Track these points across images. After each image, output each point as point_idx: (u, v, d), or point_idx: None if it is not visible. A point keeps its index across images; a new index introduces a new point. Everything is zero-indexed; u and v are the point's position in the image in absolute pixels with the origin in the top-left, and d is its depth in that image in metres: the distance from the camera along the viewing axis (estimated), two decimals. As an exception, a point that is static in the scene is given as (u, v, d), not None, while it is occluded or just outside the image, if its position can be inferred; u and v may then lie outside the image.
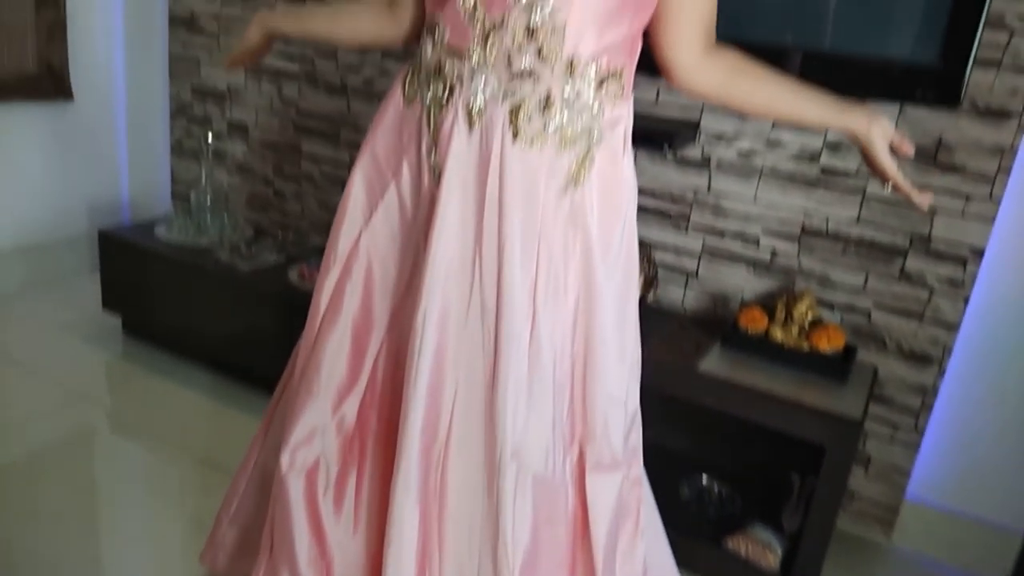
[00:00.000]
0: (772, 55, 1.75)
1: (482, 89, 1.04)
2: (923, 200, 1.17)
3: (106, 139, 3.05)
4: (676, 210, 2.11)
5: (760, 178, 1.99)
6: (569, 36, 1.00)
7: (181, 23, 2.81)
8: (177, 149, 2.99)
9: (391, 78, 2.44)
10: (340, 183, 2.63)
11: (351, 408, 1.20)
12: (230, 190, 2.85)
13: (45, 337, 2.60)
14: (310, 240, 2.65)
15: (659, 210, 2.13)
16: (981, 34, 1.59)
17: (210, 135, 2.70)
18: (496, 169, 1.04)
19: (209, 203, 2.61)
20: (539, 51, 1.01)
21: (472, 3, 1.02)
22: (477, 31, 1.03)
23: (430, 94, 1.09)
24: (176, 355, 2.53)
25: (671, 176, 2.09)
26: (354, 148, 2.57)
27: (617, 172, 1.10)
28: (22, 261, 2.88)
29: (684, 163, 2.07)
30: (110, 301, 2.60)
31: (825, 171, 1.91)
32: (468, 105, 1.05)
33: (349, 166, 2.59)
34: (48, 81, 2.79)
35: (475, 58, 1.04)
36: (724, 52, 1.12)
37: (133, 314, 2.60)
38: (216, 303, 2.36)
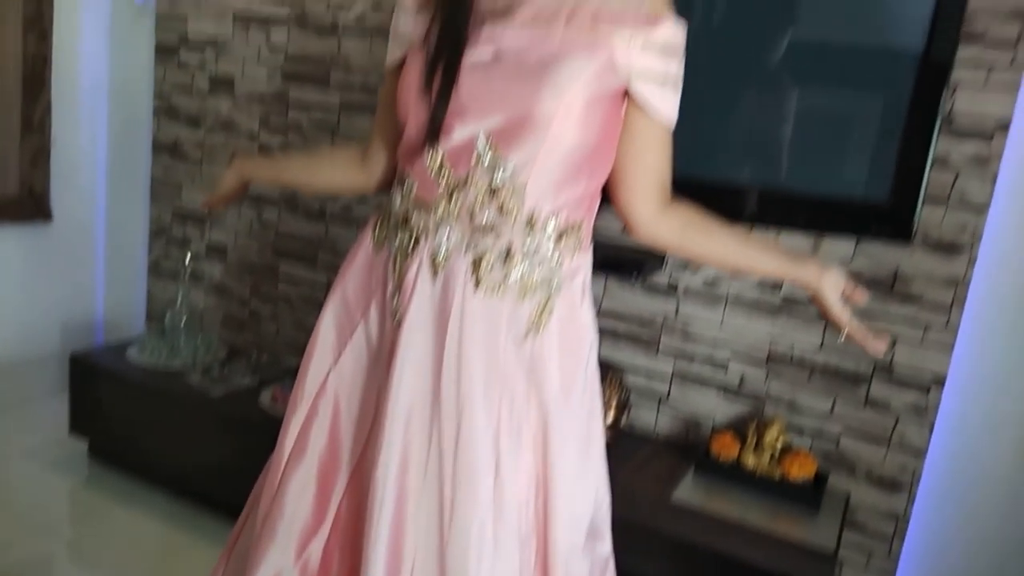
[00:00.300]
0: (731, 192, 1.84)
1: (446, 240, 1.07)
2: (877, 346, 1.19)
3: (83, 259, 3.07)
4: (646, 335, 2.14)
5: (726, 305, 2.03)
6: (529, 194, 1.05)
7: (164, 149, 2.89)
8: (155, 269, 3.00)
9: (369, 205, 2.51)
10: (316, 304, 2.65)
11: (315, 551, 1.17)
12: (206, 311, 2.86)
13: (8, 463, 2.53)
14: (284, 361, 2.64)
15: (630, 335, 2.15)
16: (929, 174, 1.67)
17: (188, 256, 2.73)
18: (457, 316, 1.06)
19: (184, 324, 2.61)
20: (500, 207, 1.05)
21: (439, 161, 1.07)
22: (443, 187, 1.07)
23: (397, 242, 1.13)
24: (143, 481, 2.47)
25: (640, 302, 2.13)
26: (331, 271, 2.60)
27: (576, 318, 1.12)
28: (-11, 381, 2.84)
29: (652, 289, 2.11)
30: (78, 426, 2.55)
31: (787, 299, 1.96)
32: (433, 254, 1.08)
33: (326, 288, 2.63)
34: (29, 203, 2.83)
35: (440, 211, 1.08)
36: (679, 206, 1.16)
37: (101, 439, 2.55)
38: (186, 428, 2.32)
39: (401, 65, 1.17)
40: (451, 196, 1.07)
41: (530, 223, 1.06)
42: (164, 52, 2.83)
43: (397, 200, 1.15)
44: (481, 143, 1.04)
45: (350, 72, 2.47)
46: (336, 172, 1.33)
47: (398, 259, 1.12)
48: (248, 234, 2.75)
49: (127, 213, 3.02)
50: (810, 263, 1.17)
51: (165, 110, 2.87)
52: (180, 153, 2.86)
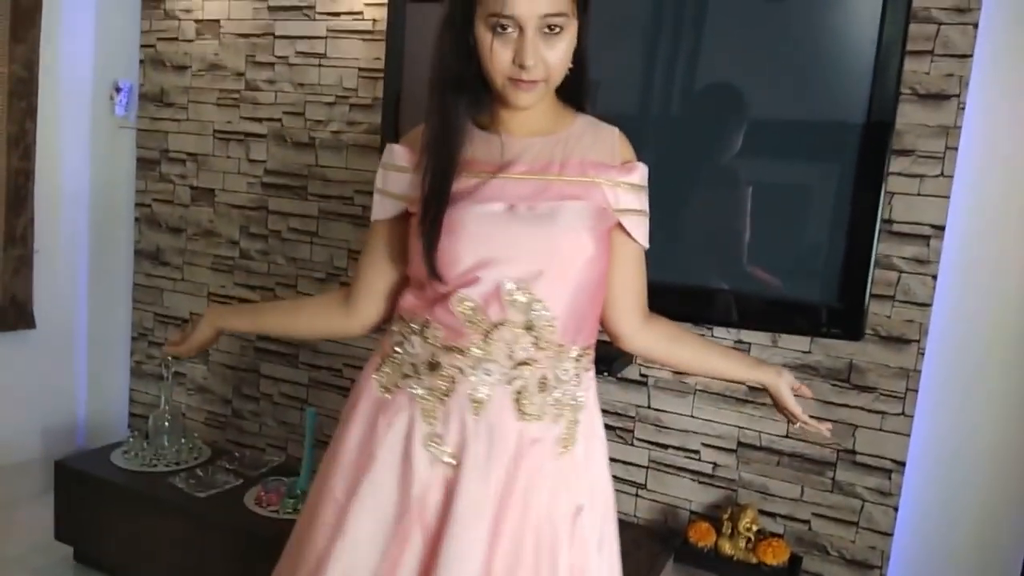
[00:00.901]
0: (705, 295, 1.94)
1: (486, 378, 1.14)
2: (821, 429, 1.37)
3: (65, 365, 3.08)
4: (621, 425, 2.21)
5: (694, 396, 2.11)
6: (560, 327, 1.14)
7: (146, 256, 2.95)
8: (137, 372, 3.03)
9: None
10: (298, 401, 2.69)
11: None
12: (188, 411, 2.88)
13: (-8, 572, 2.50)
14: (267, 459, 2.67)
15: (606, 426, 2.22)
16: (873, 275, 1.78)
17: (171, 359, 2.76)
18: (512, 449, 1.13)
19: (167, 426, 2.63)
20: (536, 342, 1.14)
21: (471, 309, 1.13)
22: (477, 330, 1.14)
23: (422, 388, 1.17)
24: (128, 587, 2.46)
25: (614, 393, 2.21)
26: (312, 369, 2.66)
27: (595, 429, 1.25)
28: (-29, 489, 2.82)
29: (625, 382, 2.20)
30: (63, 532, 2.54)
31: (752, 389, 2.05)
32: (473, 394, 1.14)
33: (307, 386, 2.68)
34: (11, 312, 2.85)
35: (476, 353, 1.14)
36: (658, 319, 1.31)
37: (86, 544, 2.53)
38: (172, 531, 2.33)
39: (394, 220, 1.24)
40: (487, 337, 1.13)
41: (560, 351, 1.16)
42: (145, 164, 2.92)
43: (415, 346, 1.18)
44: (511, 287, 1.12)
45: (327, 183, 2.56)
46: (318, 318, 1.36)
47: (428, 403, 1.16)
48: (230, 337, 2.80)
49: (109, 318, 3.05)
50: (768, 366, 1.36)
51: (147, 219, 2.94)
52: (162, 260, 2.91)
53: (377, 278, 1.29)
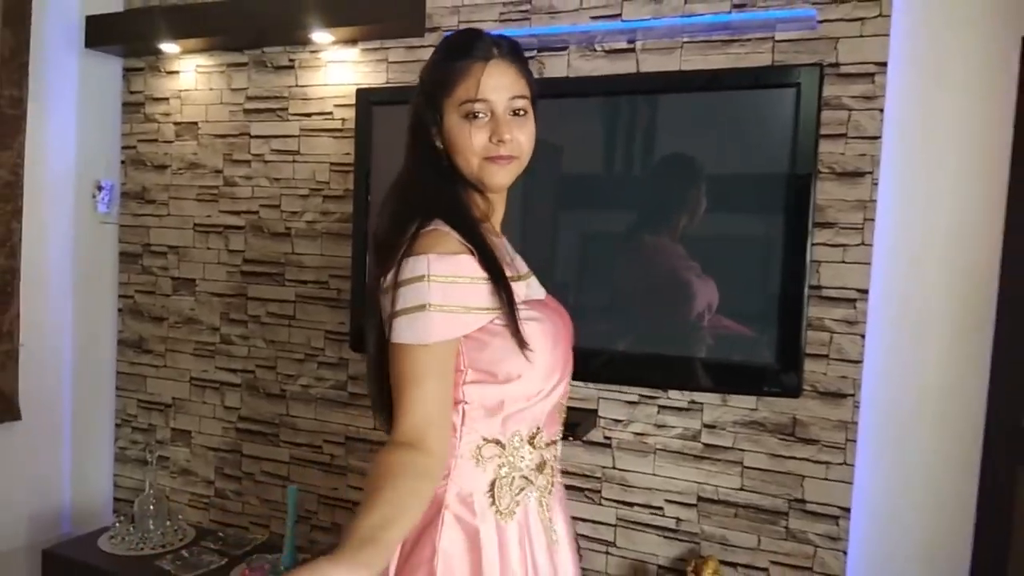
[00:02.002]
0: (660, 361, 2.07)
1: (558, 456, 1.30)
2: None
3: (51, 453, 3.10)
4: (588, 486, 2.31)
5: (655, 455, 2.22)
6: None
7: (129, 345, 3.02)
8: (121, 458, 3.07)
9: (324, 380, 2.66)
10: (280, 479, 2.75)
11: None
12: (172, 493, 2.92)
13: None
14: (250, 537, 2.71)
15: (574, 486, 2.32)
16: (805, 338, 1.93)
17: (154, 443, 2.82)
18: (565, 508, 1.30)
19: (152, 509, 2.67)
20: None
21: (559, 396, 1.26)
22: (562, 420, 1.28)
23: (536, 492, 1.23)
24: (117, 673, 2.47)
25: (581, 456, 2.31)
26: (293, 447, 2.73)
27: None
28: (-44, 582, 2.81)
29: (590, 444, 2.30)
30: (50, 621, 2.55)
31: (707, 446, 2.16)
32: (557, 471, 1.29)
33: (288, 463, 2.74)
34: (-1, 405, 2.90)
35: (559, 439, 1.29)
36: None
37: (74, 632, 2.55)
38: (161, 616, 2.36)
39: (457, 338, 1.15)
40: (559, 424, 1.29)
41: None
42: (128, 258, 3.01)
43: (525, 457, 1.22)
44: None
45: (303, 269, 2.68)
46: (416, 501, 1.06)
47: (543, 503, 1.25)
48: (212, 418, 2.87)
49: (93, 406, 3.09)
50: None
51: (129, 309, 3.02)
52: (144, 348, 2.99)
53: (447, 405, 1.14)
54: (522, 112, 1.20)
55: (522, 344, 1.14)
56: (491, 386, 1.17)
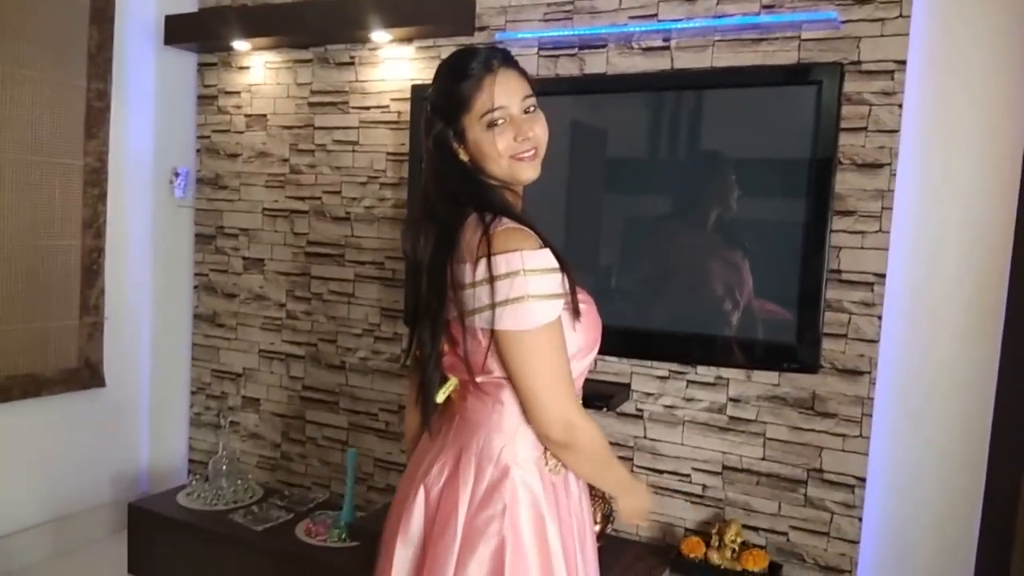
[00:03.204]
0: (690, 340, 2.24)
1: None
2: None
3: (131, 418, 3.40)
4: (622, 454, 2.50)
5: (684, 426, 2.40)
6: None
7: (204, 319, 3.30)
8: (195, 422, 3.36)
9: (380, 353, 2.89)
10: (339, 443, 3.00)
11: None
12: (242, 455, 3.20)
13: (75, 604, 2.80)
14: (312, 496, 2.97)
15: (608, 456, 2.51)
16: (824, 319, 2.09)
17: (228, 410, 3.09)
18: None
19: (225, 469, 2.94)
20: None
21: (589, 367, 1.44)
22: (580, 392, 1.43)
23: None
24: (195, 613, 2.75)
25: (614, 427, 2.50)
26: (351, 414, 2.97)
27: None
28: (50, 532, 3.11)
29: (623, 416, 2.48)
30: (135, 566, 2.84)
31: (732, 419, 2.33)
32: None
33: (347, 429, 2.99)
34: (86, 373, 3.18)
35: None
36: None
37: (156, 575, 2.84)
38: (233, 561, 2.61)
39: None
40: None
41: None
42: (202, 239, 3.28)
43: None
44: None
45: (361, 251, 2.91)
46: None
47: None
48: (279, 387, 3.13)
49: (171, 375, 3.38)
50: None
51: (204, 286, 3.29)
52: (217, 322, 3.26)
53: (568, 377, 1.31)
54: (533, 108, 1.35)
55: (577, 318, 1.31)
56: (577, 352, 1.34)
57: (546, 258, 1.26)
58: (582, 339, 1.35)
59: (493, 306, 1.25)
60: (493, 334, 1.27)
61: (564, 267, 1.28)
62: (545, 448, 1.35)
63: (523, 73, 1.38)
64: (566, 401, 1.29)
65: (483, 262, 1.25)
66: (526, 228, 1.28)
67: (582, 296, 1.36)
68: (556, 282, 1.27)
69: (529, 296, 1.24)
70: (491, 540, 1.30)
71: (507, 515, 1.31)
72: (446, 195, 1.35)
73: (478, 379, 1.35)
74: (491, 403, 1.36)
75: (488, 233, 1.26)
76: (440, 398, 1.41)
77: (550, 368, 1.27)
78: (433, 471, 1.39)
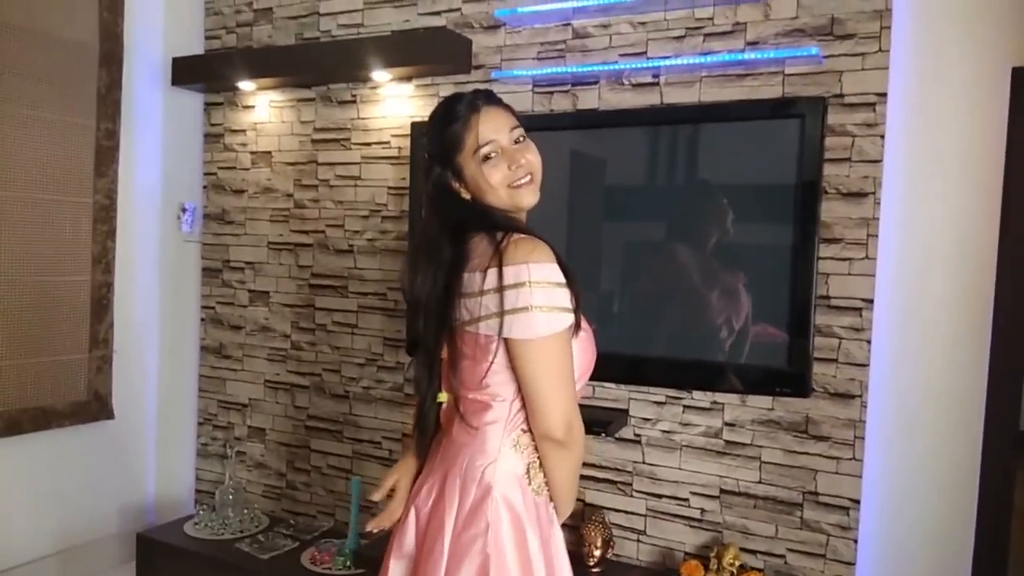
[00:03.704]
0: (685, 366, 2.29)
1: None
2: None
3: (139, 449, 3.44)
4: (621, 479, 2.54)
5: (681, 451, 2.44)
6: None
7: (211, 351, 3.36)
8: (202, 453, 3.40)
9: (383, 383, 2.94)
10: (344, 472, 3.04)
11: None
12: (248, 484, 3.24)
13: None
14: (317, 524, 3.01)
15: (607, 479, 2.55)
16: (814, 344, 2.14)
17: (234, 440, 3.14)
18: None
19: (231, 499, 2.99)
20: None
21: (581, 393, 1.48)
22: None
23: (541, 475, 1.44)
24: (202, 642, 2.78)
25: (613, 452, 2.54)
26: (355, 443, 3.01)
27: None
28: (59, 563, 3.14)
29: (622, 441, 2.53)
30: (143, 596, 2.88)
31: (728, 443, 2.37)
32: None
33: (351, 458, 3.03)
34: (95, 406, 3.22)
35: None
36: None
37: (164, 606, 2.87)
38: (241, 591, 2.66)
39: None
40: None
41: None
42: (209, 273, 3.35)
43: (529, 440, 1.43)
44: None
45: (364, 282, 2.98)
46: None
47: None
48: (284, 416, 3.18)
49: (178, 407, 3.43)
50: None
51: (211, 319, 3.36)
52: (224, 353, 3.32)
53: (570, 385, 1.38)
54: (522, 138, 1.44)
55: (577, 332, 1.37)
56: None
57: (552, 272, 1.33)
58: (577, 363, 1.41)
59: (501, 315, 1.31)
60: (504, 343, 1.35)
61: (571, 283, 1.35)
62: (527, 467, 1.42)
63: (507, 108, 1.46)
64: (570, 404, 1.37)
65: (493, 272, 1.33)
66: (538, 239, 1.35)
67: (584, 323, 1.42)
68: (560, 296, 1.33)
69: (533, 307, 1.30)
70: (475, 558, 1.36)
71: (490, 533, 1.36)
72: (451, 228, 1.41)
73: (471, 395, 1.42)
74: (477, 424, 1.42)
75: (500, 244, 1.34)
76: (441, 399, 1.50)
77: (557, 373, 1.35)
78: (423, 493, 1.47)
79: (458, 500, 1.40)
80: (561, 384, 1.36)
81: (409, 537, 1.47)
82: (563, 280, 1.34)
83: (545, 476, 1.44)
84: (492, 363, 1.36)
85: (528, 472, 1.43)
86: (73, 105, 3.05)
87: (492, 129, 1.41)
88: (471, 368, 1.40)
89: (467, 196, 1.44)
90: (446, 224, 1.43)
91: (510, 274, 1.31)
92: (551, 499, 1.47)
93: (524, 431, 1.43)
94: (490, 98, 1.45)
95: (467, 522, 1.39)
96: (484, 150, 1.40)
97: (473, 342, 1.37)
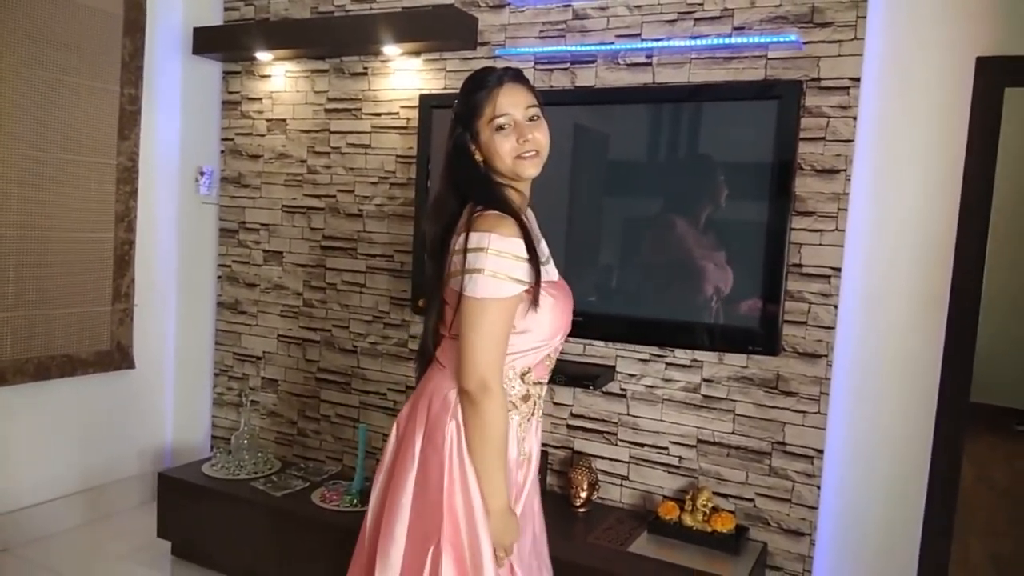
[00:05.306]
0: (666, 325, 2.45)
1: (544, 396, 1.66)
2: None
3: (158, 397, 3.61)
4: (607, 429, 2.71)
5: (662, 404, 2.61)
6: None
7: (227, 307, 3.51)
8: (218, 402, 3.57)
9: (389, 339, 3.10)
10: (351, 421, 3.21)
11: None
12: (261, 431, 3.40)
13: (105, 565, 2.99)
14: (326, 469, 3.18)
15: (594, 429, 2.72)
16: (783, 308, 2.30)
17: (249, 390, 3.30)
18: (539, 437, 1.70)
19: (246, 443, 3.15)
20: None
21: (552, 359, 1.64)
22: (550, 368, 1.65)
23: (517, 415, 1.60)
24: (219, 572, 2.94)
25: (600, 404, 2.71)
26: (362, 394, 3.18)
27: None
28: (83, 501, 3.31)
29: (608, 395, 2.69)
30: (164, 530, 3.04)
31: (705, 397, 2.54)
32: (541, 407, 1.66)
33: (358, 408, 3.19)
34: (117, 355, 3.38)
35: (546, 382, 1.65)
36: None
37: (183, 539, 3.02)
38: (253, 525, 2.80)
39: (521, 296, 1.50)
40: (550, 370, 1.66)
41: None
42: (226, 233, 3.49)
43: (516, 386, 1.58)
44: (561, 336, 1.64)
45: (372, 244, 3.12)
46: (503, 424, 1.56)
47: (521, 426, 1.61)
48: (296, 369, 3.34)
49: (195, 358, 3.59)
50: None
51: (227, 277, 3.50)
52: (239, 309, 3.47)
53: (502, 348, 1.52)
54: (536, 117, 1.58)
55: (534, 308, 1.52)
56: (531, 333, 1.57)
57: (512, 244, 1.46)
58: (546, 327, 1.57)
59: (462, 273, 1.48)
60: (460, 296, 1.51)
61: (532, 260, 1.48)
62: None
63: (531, 88, 1.61)
64: (490, 366, 1.48)
65: (463, 236, 1.48)
66: (507, 216, 1.50)
67: (552, 291, 1.57)
68: (514, 267, 1.46)
69: (485, 271, 1.45)
70: (434, 469, 1.55)
71: (446, 446, 1.54)
72: (456, 190, 1.59)
73: (447, 336, 1.61)
74: (445, 362, 1.61)
75: (473, 214, 1.51)
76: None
77: (487, 333, 1.47)
78: (405, 409, 1.68)
79: (427, 415, 1.59)
80: (487, 346, 1.47)
81: (390, 446, 1.68)
82: (523, 254, 1.47)
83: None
84: (456, 308, 1.53)
85: None
86: (99, 71, 3.17)
87: (510, 103, 1.54)
88: (448, 313, 1.58)
89: (479, 159, 1.58)
90: (457, 185, 1.59)
91: (474, 239, 1.46)
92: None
93: (525, 369, 1.60)
94: (516, 76, 1.59)
95: (431, 435, 1.57)
96: (498, 121, 1.54)
97: (451, 292, 1.55)
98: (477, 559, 1.51)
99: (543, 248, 1.66)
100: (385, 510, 1.62)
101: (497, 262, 1.45)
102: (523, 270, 1.48)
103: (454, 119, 1.61)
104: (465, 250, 1.48)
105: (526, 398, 1.62)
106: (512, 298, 1.48)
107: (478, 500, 1.52)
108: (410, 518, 1.57)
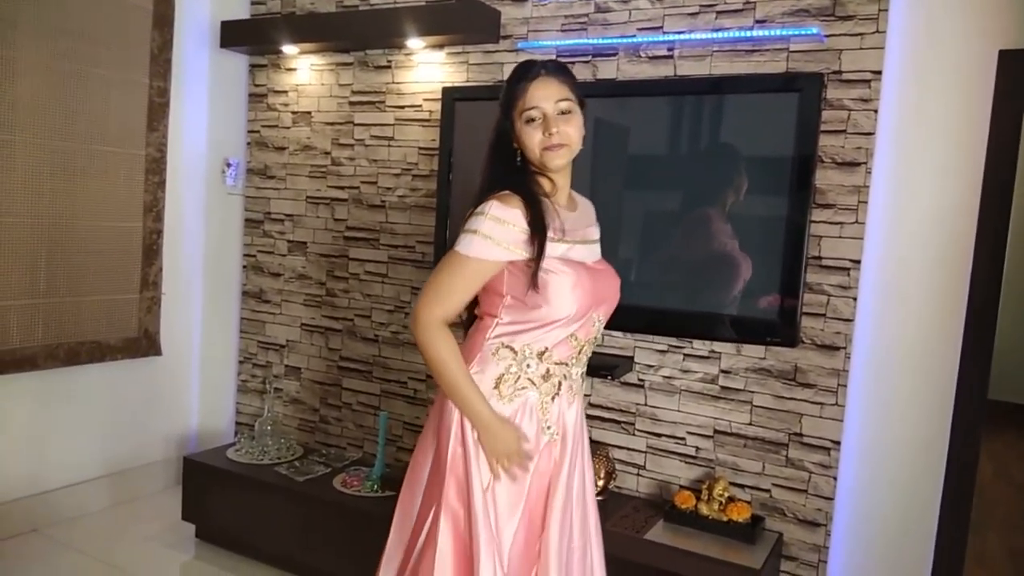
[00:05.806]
0: (686, 317, 2.45)
1: (578, 375, 1.68)
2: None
3: (183, 384, 3.66)
4: (624, 419, 2.72)
5: (680, 395, 2.62)
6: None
7: (251, 296, 3.55)
8: (242, 389, 3.61)
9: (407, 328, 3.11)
10: (372, 408, 3.24)
11: None
12: (284, 418, 3.45)
13: (131, 547, 3.04)
14: (347, 455, 3.21)
15: (612, 419, 2.73)
16: (802, 300, 2.29)
17: (272, 377, 3.34)
18: (583, 417, 1.73)
19: (269, 429, 3.19)
20: (593, 348, 1.71)
21: (574, 333, 1.62)
22: (577, 348, 1.65)
23: (538, 393, 1.62)
24: (242, 555, 2.98)
25: (618, 395, 2.72)
26: (383, 382, 3.21)
27: None
28: (110, 484, 3.37)
29: (626, 385, 2.71)
30: (188, 514, 3.09)
31: (723, 388, 2.54)
32: (572, 388, 1.67)
33: (379, 395, 3.23)
34: (144, 343, 3.43)
35: (575, 362, 1.66)
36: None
37: (207, 522, 3.07)
38: (276, 509, 2.85)
39: (496, 262, 1.55)
40: (580, 352, 1.66)
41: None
42: (251, 224, 3.53)
43: (532, 364, 1.60)
44: (597, 316, 1.66)
45: (394, 235, 3.15)
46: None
47: (544, 403, 1.63)
48: (318, 357, 3.38)
49: (220, 346, 3.64)
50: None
51: (252, 266, 3.54)
52: (264, 298, 3.51)
53: (462, 303, 1.60)
54: (568, 111, 1.60)
55: (532, 285, 1.54)
56: (519, 310, 1.60)
57: (510, 214, 1.52)
58: (565, 307, 1.58)
59: (461, 232, 1.58)
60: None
61: (537, 233, 1.52)
62: (500, 376, 1.61)
63: (567, 82, 1.63)
64: (429, 304, 1.55)
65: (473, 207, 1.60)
66: (516, 195, 1.55)
67: (567, 268, 1.58)
68: (501, 232, 1.52)
69: (472, 230, 1.54)
70: (444, 436, 1.66)
71: (453, 425, 1.63)
72: (494, 175, 1.62)
73: (482, 312, 1.69)
74: (482, 319, 1.69)
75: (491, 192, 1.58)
76: None
77: (442, 279, 1.56)
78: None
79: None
80: (437, 287, 1.55)
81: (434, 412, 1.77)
82: (523, 225, 1.52)
83: None
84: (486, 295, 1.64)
85: (499, 381, 1.62)
86: (128, 64, 3.21)
87: (540, 97, 1.58)
88: (481, 296, 1.66)
89: (516, 147, 1.63)
90: (495, 173, 1.63)
91: (478, 208, 1.56)
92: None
93: (504, 346, 1.62)
94: (554, 70, 1.62)
95: (442, 412, 1.67)
96: (528, 113, 1.59)
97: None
98: (474, 527, 1.58)
99: (587, 232, 1.70)
100: (408, 469, 1.76)
101: (493, 227, 1.52)
102: (517, 239, 1.53)
103: (500, 108, 1.66)
104: (468, 216, 1.58)
105: (546, 377, 1.63)
106: (495, 263, 1.54)
107: (476, 470, 1.59)
108: (427, 479, 1.71)
